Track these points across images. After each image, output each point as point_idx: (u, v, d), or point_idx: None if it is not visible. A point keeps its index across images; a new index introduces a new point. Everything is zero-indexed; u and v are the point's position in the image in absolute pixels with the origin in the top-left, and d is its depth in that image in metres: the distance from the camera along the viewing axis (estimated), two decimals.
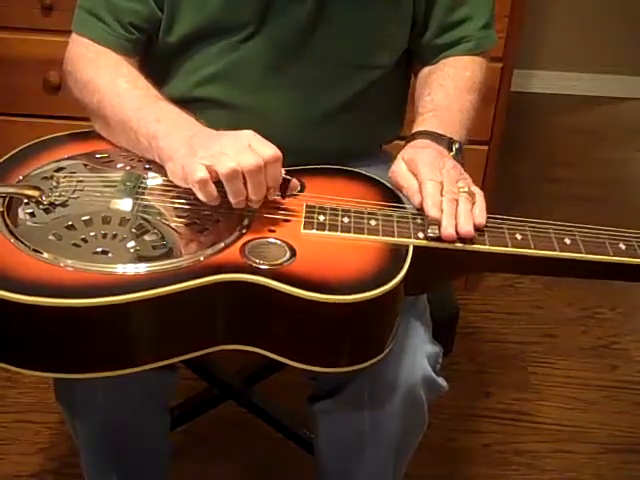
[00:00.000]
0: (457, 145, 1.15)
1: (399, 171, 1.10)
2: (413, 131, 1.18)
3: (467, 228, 1.02)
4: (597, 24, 3.20)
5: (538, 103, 3.24)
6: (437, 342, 1.17)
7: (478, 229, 1.03)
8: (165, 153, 1.05)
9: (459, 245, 1.02)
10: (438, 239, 1.02)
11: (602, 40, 3.21)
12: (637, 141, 3.05)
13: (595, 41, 3.21)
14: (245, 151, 0.99)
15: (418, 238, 1.03)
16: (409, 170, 1.08)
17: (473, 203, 1.05)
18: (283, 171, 1.03)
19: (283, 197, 1.06)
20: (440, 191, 1.04)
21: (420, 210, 1.05)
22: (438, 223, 1.02)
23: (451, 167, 1.08)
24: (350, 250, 1.02)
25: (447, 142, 1.14)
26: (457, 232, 1.01)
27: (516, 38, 1.87)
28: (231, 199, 1.01)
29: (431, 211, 1.02)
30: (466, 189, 1.05)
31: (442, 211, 1.02)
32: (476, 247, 1.03)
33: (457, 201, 1.04)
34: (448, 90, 1.22)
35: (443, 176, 1.06)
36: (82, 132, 1.20)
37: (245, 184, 1.00)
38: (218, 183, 1.00)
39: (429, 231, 1.02)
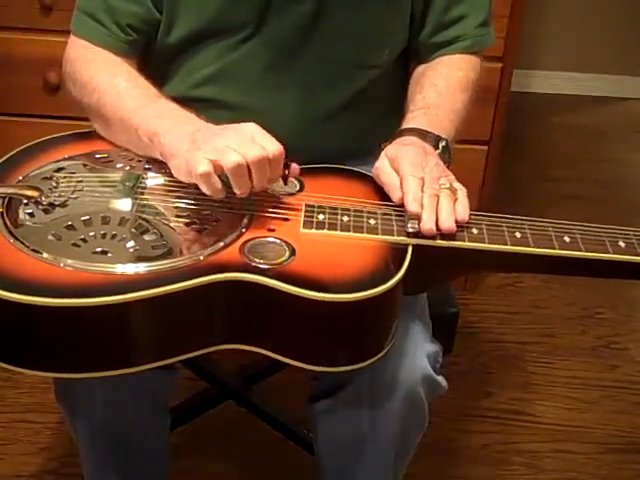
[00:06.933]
0: (444, 143, 1.15)
1: (381, 167, 1.10)
2: (401, 128, 1.18)
3: (448, 223, 1.02)
4: (597, 24, 3.20)
5: (538, 103, 3.24)
6: (437, 341, 1.17)
7: (460, 225, 1.03)
8: (168, 149, 1.05)
9: (441, 242, 1.02)
10: (417, 234, 1.02)
11: (602, 40, 3.21)
12: (637, 141, 3.05)
13: (595, 41, 3.21)
14: (249, 144, 1.00)
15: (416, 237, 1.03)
16: (392, 167, 1.09)
17: (455, 200, 1.05)
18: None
19: (285, 183, 1.06)
20: (421, 187, 1.04)
21: (401, 206, 1.05)
22: (418, 218, 1.02)
23: (434, 165, 1.08)
24: (349, 249, 1.02)
25: (434, 139, 1.14)
26: (438, 227, 1.02)
27: (516, 38, 1.87)
28: (236, 191, 1.01)
29: (411, 206, 1.02)
30: (447, 185, 1.05)
31: (423, 206, 1.02)
32: (457, 244, 1.02)
33: (438, 197, 1.04)
34: (440, 89, 1.22)
35: (425, 173, 1.06)
36: (82, 132, 1.20)
37: (250, 176, 1.00)
38: (222, 176, 1.00)
39: (409, 226, 1.02)
